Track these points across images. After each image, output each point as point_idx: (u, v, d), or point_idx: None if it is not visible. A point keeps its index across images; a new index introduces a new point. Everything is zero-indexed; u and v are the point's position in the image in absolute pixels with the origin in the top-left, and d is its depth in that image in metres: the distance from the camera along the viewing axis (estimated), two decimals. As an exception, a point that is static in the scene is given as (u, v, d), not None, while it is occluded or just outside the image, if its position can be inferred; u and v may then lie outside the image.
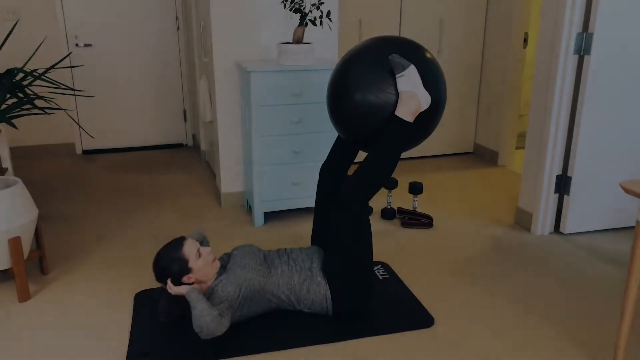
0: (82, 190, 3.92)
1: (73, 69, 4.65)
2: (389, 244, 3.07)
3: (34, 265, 2.81)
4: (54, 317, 2.35)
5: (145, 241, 3.09)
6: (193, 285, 2.16)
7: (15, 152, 4.72)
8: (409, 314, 2.36)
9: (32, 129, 4.72)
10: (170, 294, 2.22)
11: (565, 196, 3.12)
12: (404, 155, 4.67)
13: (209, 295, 2.18)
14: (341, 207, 2.20)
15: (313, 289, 2.29)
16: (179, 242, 2.21)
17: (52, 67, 2.45)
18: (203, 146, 4.64)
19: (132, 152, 4.98)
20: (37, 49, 2.74)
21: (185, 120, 5.08)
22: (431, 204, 3.65)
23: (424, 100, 2.18)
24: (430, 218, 3.29)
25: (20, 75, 2.37)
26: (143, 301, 2.46)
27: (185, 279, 2.16)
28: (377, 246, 3.03)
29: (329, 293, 2.28)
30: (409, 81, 2.15)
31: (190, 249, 2.18)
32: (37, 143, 4.77)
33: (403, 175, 4.24)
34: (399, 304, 2.43)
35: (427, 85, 2.20)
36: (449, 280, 2.66)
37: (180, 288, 2.14)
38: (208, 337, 1.99)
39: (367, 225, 2.25)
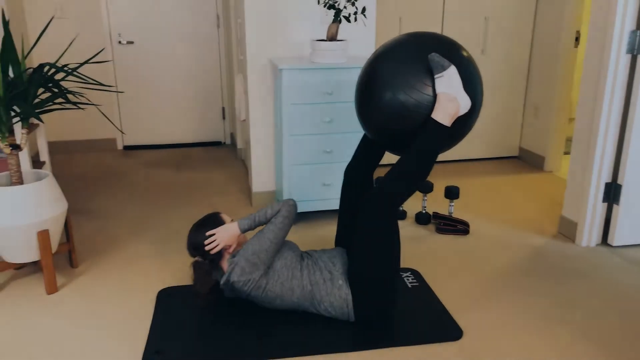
0: (118, 185, 3.97)
1: (116, 66, 4.73)
2: (421, 250, 2.94)
3: (64, 258, 2.84)
4: (78, 310, 2.36)
5: (173, 238, 3.09)
6: (230, 249, 2.30)
7: (60, 146, 4.85)
8: (436, 325, 2.23)
9: (77, 124, 4.83)
10: (203, 267, 2.26)
11: (615, 205, 2.91)
12: (441, 157, 4.51)
13: (237, 252, 2.24)
14: (370, 210, 2.10)
15: (333, 292, 2.20)
16: (213, 214, 2.35)
17: (85, 62, 2.46)
18: (239, 144, 4.63)
19: (171, 148, 5.03)
20: (70, 44, 2.77)
21: (223, 118, 5.09)
22: (469, 210, 3.49)
23: (464, 103, 2.05)
24: (466, 224, 3.14)
25: (54, 70, 2.38)
26: (165, 299, 2.44)
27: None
28: (408, 252, 2.92)
29: (350, 297, 2.19)
30: (449, 83, 2.03)
31: (225, 217, 2.35)
32: (81, 138, 4.89)
33: (440, 179, 4.09)
34: (426, 314, 2.32)
35: (466, 85, 2.08)
36: (482, 291, 2.52)
37: (227, 230, 2.26)
38: (293, 214, 2.26)
39: (395, 230, 2.15)
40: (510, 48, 4.32)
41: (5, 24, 2.36)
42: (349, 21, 2.99)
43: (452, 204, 3.21)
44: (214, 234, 2.24)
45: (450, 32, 4.19)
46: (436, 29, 4.17)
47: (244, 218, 2.27)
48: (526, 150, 4.52)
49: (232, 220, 2.33)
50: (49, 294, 2.50)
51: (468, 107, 2.06)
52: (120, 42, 4.69)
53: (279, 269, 2.21)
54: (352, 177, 2.46)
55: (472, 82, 2.11)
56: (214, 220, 2.31)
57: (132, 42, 4.72)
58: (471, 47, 4.26)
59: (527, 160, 4.52)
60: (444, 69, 2.01)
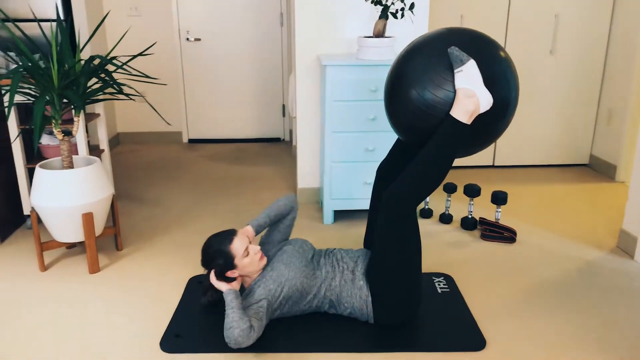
0: (176, 176, 4.14)
1: (183, 62, 4.94)
2: (461, 255, 2.82)
3: (111, 241, 3.00)
4: (113, 290, 2.48)
5: (216, 229, 3.17)
6: (237, 281, 2.15)
7: (130, 137, 5.14)
8: (459, 333, 2.13)
9: (146, 117, 5.10)
10: (206, 282, 2.24)
11: (682, 221, 2.63)
12: (499, 161, 4.29)
13: (250, 290, 2.15)
14: (384, 209, 2.04)
15: (354, 293, 2.16)
16: (229, 236, 2.14)
17: (135, 56, 2.58)
18: (294, 141, 4.67)
19: (232, 143, 5.17)
20: (122, 38, 2.91)
21: (283, 115, 5.16)
22: (520, 218, 3.30)
23: (484, 100, 1.94)
24: (513, 232, 2.97)
25: (102, 62, 2.52)
26: (193, 286, 2.51)
27: (229, 273, 2.14)
28: (447, 257, 2.81)
29: (370, 299, 2.14)
30: (468, 77, 1.92)
31: (238, 246, 2.11)
32: (150, 130, 5.15)
33: (495, 183, 3.90)
34: (451, 321, 2.21)
35: (495, 84, 1.96)
36: (518, 303, 2.37)
37: (220, 285, 2.10)
38: (235, 348, 1.95)
39: (412, 232, 2.06)
40: (582, 48, 4.04)
41: (60, 21, 2.52)
42: (395, 17, 2.92)
43: (499, 210, 3.04)
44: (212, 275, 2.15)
45: (515, 31, 3.99)
46: (500, 27, 3.98)
47: (235, 297, 2.01)
48: (597, 158, 4.21)
49: (250, 239, 2.19)
50: (91, 273, 2.65)
51: (489, 105, 1.94)
52: (187, 39, 4.89)
53: (289, 296, 2.14)
54: (384, 174, 2.39)
55: (505, 80, 1.99)
56: (223, 240, 2.14)
57: (199, 40, 4.90)
58: (539, 46, 4.02)
59: (597, 169, 4.20)
60: (463, 63, 1.91)
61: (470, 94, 1.92)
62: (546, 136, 4.23)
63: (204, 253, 2.18)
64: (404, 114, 2.06)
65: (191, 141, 5.20)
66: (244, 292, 2.20)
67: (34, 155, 3.29)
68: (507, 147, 4.25)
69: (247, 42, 4.94)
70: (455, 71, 1.94)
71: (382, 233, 2.07)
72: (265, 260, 2.20)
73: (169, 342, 2.08)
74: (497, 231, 3.00)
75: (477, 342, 2.08)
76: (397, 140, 2.38)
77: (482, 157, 4.27)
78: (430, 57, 2.00)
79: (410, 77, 2.01)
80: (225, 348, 2.04)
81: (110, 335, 2.15)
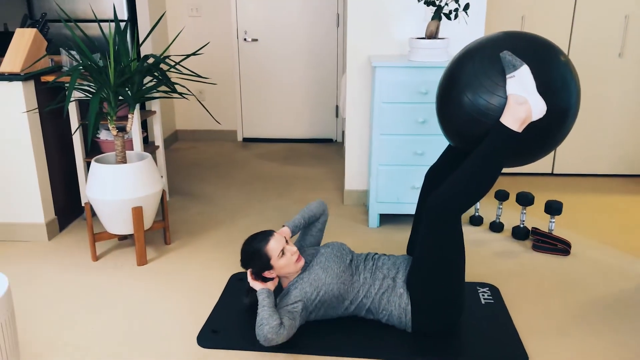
0: (229, 174, 4.22)
1: (240, 62, 5.03)
2: (509, 266, 2.71)
3: (160, 235, 3.10)
4: (158, 283, 2.56)
5: (262, 227, 3.20)
6: (273, 281, 2.16)
7: (188, 134, 5.29)
8: (499, 347, 2.04)
9: (204, 115, 5.23)
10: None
11: None
12: (558, 170, 4.09)
13: (287, 291, 2.15)
14: (427, 215, 1.99)
15: (393, 301, 2.12)
16: (265, 237, 2.15)
17: (188, 56, 2.65)
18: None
19: (284, 143, 5.21)
20: (175, 38, 2.99)
21: (336, 116, 5.15)
22: (577, 229, 3.13)
23: (537, 107, 1.84)
24: (567, 244, 2.82)
25: (163, 64, 2.60)
26: (234, 283, 2.54)
27: (266, 273, 2.15)
28: (494, 267, 2.70)
29: (409, 307, 2.09)
30: (520, 83, 1.84)
31: (274, 246, 2.12)
32: (207, 128, 5.28)
33: (552, 192, 3.72)
34: (492, 334, 2.13)
35: (552, 90, 1.86)
36: (567, 319, 2.25)
37: (255, 284, 2.14)
38: (267, 345, 1.96)
39: (456, 239, 2.00)
40: (655, 51, 3.79)
41: (117, 22, 2.62)
42: (449, 18, 2.84)
43: (553, 220, 2.90)
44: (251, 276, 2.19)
45: (581, 32, 3.79)
46: (565, 29, 3.79)
47: (267, 296, 2.05)
48: (668, 169, 3.93)
49: (287, 240, 2.20)
50: (139, 265, 2.74)
51: (542, 113, 1.84)
52: (245, 39, 4.97)
53: (325, 300, 2.13)
54: (433, 179, 2.33)
55: (565, 87, 1.88)
56: (260, 241, 2.15)
57: (256, 40, 4.97)
58: (607, 49, 3.81)
59: (668, 181, 3.93)
60: (515, 68, 1.82)
61: (521, 101, 1.84)
62: (611, 144, 3.99)
63: (242, 253, 2.21)
64: (455, 119, 2.00)
65: (245, 140, 5.29)
66: (281, 292, 2.20)
67: (90, 150, 3.44)
68: (568, 155, 4.05)
69: (302, 43, 4.97)
70: (507, 76, 1.87)
71: (424, 240, 2.02)
72: (302, 261, 2.19)
73: (205, 337, 2.12)
74: (550, 242, 2.86)
75: (518, 357, 1.99)
76: (449, 145, 2.31)
77: (540, 165, 4.09)
78: (483, 62, 1.92)
79: (462, 81, 1.95)
80: (258, 347, 2.05)
81: (150, 326, 2.21)
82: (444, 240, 1.98)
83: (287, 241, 2.18)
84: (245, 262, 2.19)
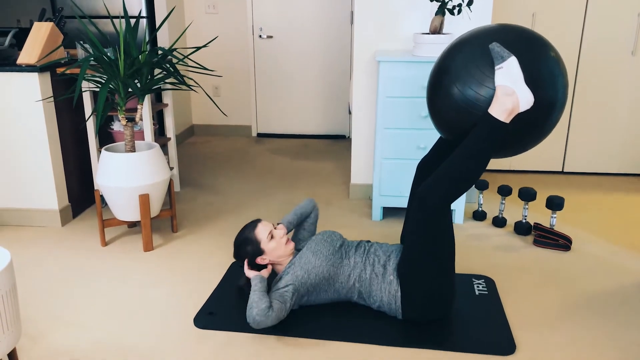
0: (240, 167, 4.31)
1: (255, 58, 5.12)
2: (509, 260, 2.72)
3: (168, 223, 3.19)
4: (161, 268, 2.65)
5: (267, 218, 3.27)
6: (267, 269, 2.23)
7: (204, 129, 5.40)
8: (489, 337, 2.07)
9: (219, 111, 5.33)
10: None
11: None
12: (568, 168, 4.06)
13: (280, 277, 2.22)
14: (417, 205, 2.03)
15: (384, 287, 2.16)
16: (253, 224, 2.28)
17: (198, 49, 2.73)
18: (358, 138, 4.69)
19: (297, 138, 5.28)
20: (183, 32, 3.07)
21: (349, 112, 5.20)
22: (580, 226, 3.11)
23: (524, 98, 1.87)
24: (568, 240, 2.82)
25: (170, 56, 2.69)
26: (235, 270, 2.61)
27: (259, 260, 2.23)
28: (493, 260, 2.72)
29: (399, 294, 2.13)
30: (508, 75, 1.86)
31: (262, 230, 2.23)
32: (223, 123, 5.38)
33: (560, 190, 3.70)
34: (483, 324, 2.15)
35: (539, 83, 1.88)
36: (560, 312, 2.25)
37: (250, 272, 2.22)
38: (256, 327, 2.01)
39: (445, 229, 2.03)
40: (669, 49, 3.74)
41: (127, 18, 2.72)
42: (452, 14, 2.87)
43: (554, 215, 2.90)
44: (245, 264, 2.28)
45: (593, 30, 3.76)
46: (577, 26, 3.77)
47: (259, 282, 2.12)
48: (682, 168, 3.87)
49: (275, 225, 2.34)
50: (145, 251, 2.83)
51: (529, 104, 1.86)
52: (260, 36, 5.06)
53: (317, 283, 2.19)
54: (424, 171, 2.37)
55: (552, 79, 1.90)
56: (247, 229, 2.27)
57: (271, 37, 5.05)
58: (619, 47, 3.77)
59: (681, 181, 3.87)
60: (503, 59, 1.85)
61: (509, 92, 1.86)
62: (623, 142, 3.95)
63: (234, 245, 2.30)
64: (444, 110, 2.03)
65: (259, 135, 5.38)
66: (275, 278, 2.27)
67: (104, 141, 3.56)
68: (579, 153, 4.02)
69: (317, 40, 5.03)
70: (495, 68, 1.89)
71: (413, 229, 2.05)
72: (292, 244, 2.28)
73: (202, 319, 2.20)
74: (551, 237, 2.86)
75: (506, 346, 2.01)
76: (440, 137, 2.34)
77: (550, 163, 4.07)
78: (473, 53, 1.95)
79: (452, 72, 1.98)
80: (251, 329, 2.12)
81: (151, 307, 2.30)
82: (433, 230, 2.01)
83: (274, 227, 2.27)
84: (237, 252, 2.28)
